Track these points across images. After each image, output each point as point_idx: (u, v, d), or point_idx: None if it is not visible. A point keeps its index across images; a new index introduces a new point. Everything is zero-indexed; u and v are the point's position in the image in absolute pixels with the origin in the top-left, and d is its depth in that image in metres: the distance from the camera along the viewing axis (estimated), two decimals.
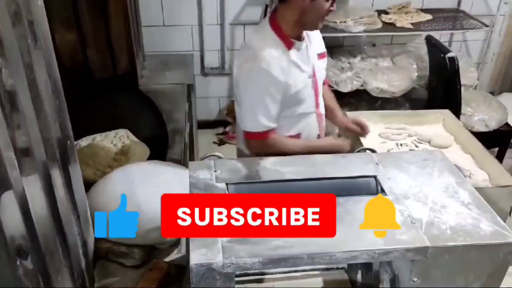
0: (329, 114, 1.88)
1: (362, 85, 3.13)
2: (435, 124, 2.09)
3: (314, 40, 1.72)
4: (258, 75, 1.56)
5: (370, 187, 1.11)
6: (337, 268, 1.32)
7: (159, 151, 1.86)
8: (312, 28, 1.64)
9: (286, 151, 1.59)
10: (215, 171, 1.11)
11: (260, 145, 1.64)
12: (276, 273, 1.30)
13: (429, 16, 3.24)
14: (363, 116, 2.04)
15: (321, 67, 1.75)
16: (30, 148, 0.86)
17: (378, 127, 2.06)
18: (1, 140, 0.74)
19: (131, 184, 1.36)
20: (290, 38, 1.60)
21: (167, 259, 1.31)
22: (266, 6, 3.26)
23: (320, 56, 1.74)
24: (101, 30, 2.19)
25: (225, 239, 0.90)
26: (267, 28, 1.62)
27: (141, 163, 1.51)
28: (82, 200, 1.15)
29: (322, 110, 1.81)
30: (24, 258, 0.83)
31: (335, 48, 3.36)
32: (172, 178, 1.42)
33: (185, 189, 1.06)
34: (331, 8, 1.57)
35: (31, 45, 0.90)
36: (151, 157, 1.71)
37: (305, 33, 1.66)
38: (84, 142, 1.73)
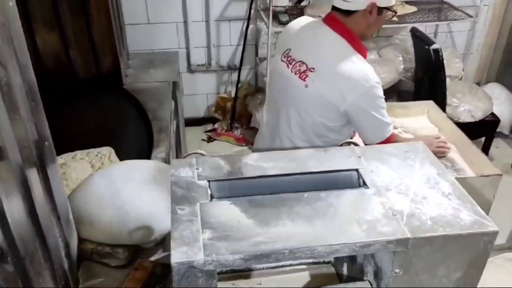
0: None
1: None
2: (420, 116, 2.10)
3: None
4: (375, 90, 1.69)
5: (352, 180, 1.11)
6: (324, 262, 1.32)
7: (144, 150, 1.85)
8: (369, 39, 1.73)
9: None
10: (197, 168, 1.11)
11: None
12: (262, 268, 1.30)
13: (414, 8, 3.26)
14: None
15: None
16: (4, 151, 0.85)
17: None
18: None
19: (114, 184, 1.35)
20: (363, 49, 1.68)
21: (152, 258, 1.31)
22: (251, 2, 3.25)
23: None
24: (83, 30, 2.16)
25: (206, 236, 0.89)
26: (346, 46, 1.65)
27: (122, 163, 1.50)
28: (63, 201, 1.14)
29: None
30: (3, 261, 0.82)
31: None
32: (155, 176, 1.41)
33: (168, 187, 1.05)
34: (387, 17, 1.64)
35: (3, 47, 0.88)
36: (136, 157, 1.69)
37: None
38: (62, 159, 1.63)
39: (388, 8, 1.62)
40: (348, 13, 1.61)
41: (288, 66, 1.72)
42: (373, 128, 1.69)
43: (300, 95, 1.69)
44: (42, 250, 0.97)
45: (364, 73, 1.62)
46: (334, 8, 1.68)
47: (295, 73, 1.69)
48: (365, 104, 1.64)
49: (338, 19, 1.66)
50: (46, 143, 1.04)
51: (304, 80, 1.66)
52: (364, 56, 1.67)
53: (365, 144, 1.73)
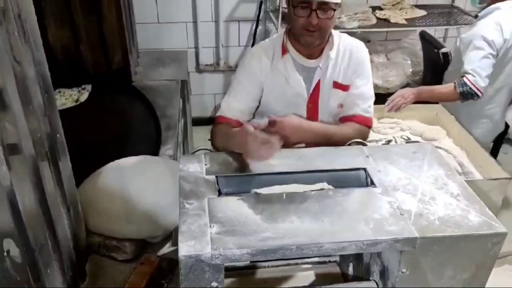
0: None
1: None
2: (428, 119, 2.10)
3: (344, 68, 1.53)
4: (240, 66, 1.56)
5: (360, 179, 1.11)
6: (329, 262, 1.33)
7: (152, 146, 1.86)
8: (298, 39, 1.48)
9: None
10: (205, 164, 1.12)
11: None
12: (268, 266, 1.31)
13: (423, 12, 3.25)
14: None
15: (334, 96, 1.55)
16: (19, 143, 0.86)
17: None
18: None
19: (123, 178, 1.36)
20: (286, 46, 1.51)
21: (159, 253, 1.31)
22: (261, 3, 3.25)
23: (337, 85, 1.54)
24: (94, 26, 2.18)
25: (213, 230, 0.90)
26: (282, 31, 1.56)
27: (133, 158, 1.51)
28: (73, 194, 1.15)
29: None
30: (12, 251, 0.83)
31: None
32: (163, 172, 1.42)
33: (176, 184, 1.06)
34: (309, 20, 1.38)
35: (19, 40, 0.90)
36: (144, 153, 1.70)
37: (330, 56, 1.50)
38: None
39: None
40: None
41: None
42: None
43: None
44: (51, 241, 0.98)
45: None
46: None
47: None
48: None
49: None
50: (58, 135, 1.05)
51: None
52: (283, 52, 1.52)
53: None
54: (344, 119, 1.56)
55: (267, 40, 1.62)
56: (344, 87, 1.54)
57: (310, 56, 1.52)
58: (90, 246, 1.28)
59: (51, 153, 1.02)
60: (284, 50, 1.51)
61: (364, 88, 1.54)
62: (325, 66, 1.51)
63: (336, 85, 1.54)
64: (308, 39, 1.44)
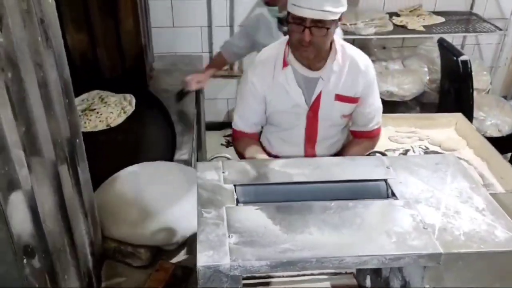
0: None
1: None
2: (447, 128, 2.06)
3: (348, 80, 1.54)
4: (243, 78, 1.62)
5: (380, 190, 1.09)
6: (346, 273, 1.30)
7: (167, 151, 1.85)
8: (294, 53, 1.49)
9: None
10: (223, 172, 1.10)
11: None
12: (283, 276, 1.29)
13: (441, 19, 3.21)
14: None
15: (336, 108, 1.57)
16: (39, 147, 0.86)
17: (388, 130, 2.03)
18: (10, 139, 0.73)
19: (139, 185, 1.35)
20: (288, 58, 1.51)
21: (174, 260, 1.30)
22: None
23: (339, 97, 1.55)
24: (111, 30, 2.20)
25: (232, 241, 0.89)
26: (285, 40, 1.56)
27: (149, 164, 1.51)
28: (90, 199, 1.15)
29: (317, 151, 1.66)
30: (31, 257, 0.83)
31: None
32: (179, 179, 1.41)
33: (192, 191, 1.05)
34: (303, 36, 1.38)
35: (41, 44, 0.90)
36: (159, 158, 1.70)
37: (334, 69, 1.50)
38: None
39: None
40: None
41: None
42: None
43: None
44: (69, 247, 0.98)
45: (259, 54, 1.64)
46: None
47: None
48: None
49: None
50: (77, 140, 1.05)
51: None
52: (284, 64, 1.54)
53: None
54: (361, 135, 1.68)
55: (269, 47, 1.62)
56: (348, 99, 1.56)
57: (312, 67, 1.52)
58: (106, 252, 1.28)
59: (71, 158, 1.02)
60: (285, 63, 1.53)
61: (376, 103, 1.64)
62: (327, 78, 1.52)
63: (339, 97, 1.55)
64: (303, 54, 1.46)
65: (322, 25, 1.37)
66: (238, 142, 1.67)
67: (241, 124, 1.64)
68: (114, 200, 1.32)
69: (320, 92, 1.53)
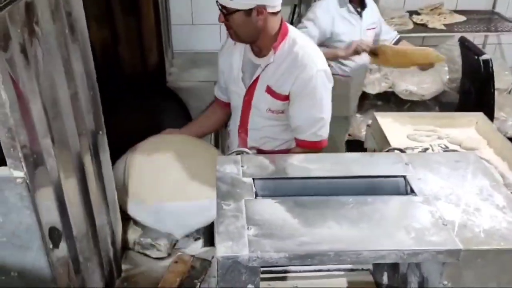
0: None
1: (390, 87, 3.08)
2: (467, 127, 2.03)
3: (281, 76, 1.55)
4: None
5: (399, 187, 1.09)
6: (362, 269, 1.30)
7: None
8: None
9: None
10: (242, 166, 1.12)
11: None
12: (299, 271, 1.30)
13: (462, 18, 3.17)
14: (391, 117, 2.01)
15: (264, 100, 1.60)
16: (66, 138, 0.88)
17: (406, 129, 2.02)
18: (40, 129, 0.76)
19: (160, 161, 1.39)
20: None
21: (192, 252, 1.32)
22: (295, 6, 3.25)
23: (269, 90, 1.57)
24: (133, 27, 2.23)
25: (251, 232, 0.90)
26: None
27: (175, 138, 1.62)
28: (112, 190, 1.18)
29: (248, 140, 1.70)
30: (56, 244, 0.86)
31: None
32: (202, 163, 1.44)
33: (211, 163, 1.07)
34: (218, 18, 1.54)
35: (68, 38, 0.92)
36: None
37: (271, 59, 1.54)
38: None
39: None
40: None
41: None
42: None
43: None
44: (92, 236, 1.01)
45: None
46: None
47: None
48: None
49: None
50: (100, 132, 1.08)
51: None
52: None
53: None
54: (295, 141, 1.64)
55: None
56: (276, 95, 1.56)
57: (258, 54, 1.60)
58: (126, 243, 1.31)
59: (94, 150, 1.05)
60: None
61: (311, 112, 1.55)
62: (264, 67, 1.57)
63: (268, 89, 1.57)
64: (229, 35, 1.59)
65: (226, 11, 1.48)
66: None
67: (216, 88, 1.81)
68: (132, 174, 1.35)
69: (256, 80, 1.59)
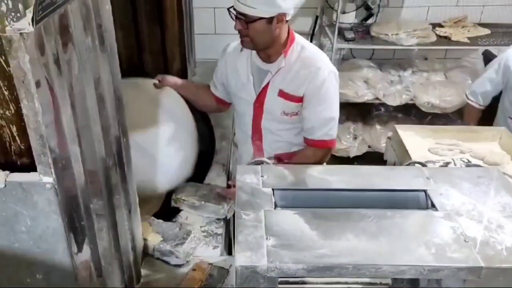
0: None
1: (411, 100, 3.05)
2: (490, 142, 1.99)
3: (293, 79, 1.61)
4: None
5: (419, 201, 1.08)
6: (381, 284, 1.29)
7: (206, 155, 1.90)
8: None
9: None
10: (262, 176, 1.13)
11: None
12: (317, 283, 1.29)
13: (487, 31, 3.12)
14: (412, 129, 1.99)
15: (278, 103, 1.64)
16: (92, 144, 0.91)
17: (427, 142, 1.99)
18: (69, 135, 0.78)
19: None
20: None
21: (210, 260, 1.34)
22: (317, 17, 3.26)
23: (282, 94, 1.63)
24: (157, 36, 2.28)
25: (270, 243, 0.90)
26: None
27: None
28: (133, 195, 1.20)
29: (264, 144, 1.75)
30: (81, 247, 0.88)
31: (384, 60, 3.30)
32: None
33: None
34: (235, 26, 1.57)
35: (98, 49, 0.96)
36: (198, 161, 1.75)
37: (282, 64, 1.60)
38: None
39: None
40: None
41: None
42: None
43: None
44: (114, 241, 1.03)
45: None
46: None
47: None
48: None
49: None
50: (124, 139, 1.10)
51: None
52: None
53: None
54: (306, 142, 1.69)
55: None
56: (291, 97, 1.62)
57: (266, 60, 1.63)
58: (145, 249, 1.33)
59: (118, 156, 1.07)
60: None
61: (324, 113, 1.62)
62: (275, 72, 1.61)
63: (282, 93, 1.62)
64: (242, 43, 1.61)
65: (246, 19, 1.51)
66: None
67: (212, 87, 1.85)
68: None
69: (267, 85, 1.62)
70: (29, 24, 0.64)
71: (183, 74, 2.38)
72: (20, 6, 0.65)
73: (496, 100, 2.55)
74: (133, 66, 2.33)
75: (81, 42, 0.85)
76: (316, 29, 3.31)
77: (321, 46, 3.43)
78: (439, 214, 1.00)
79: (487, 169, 1.17)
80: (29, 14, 0.64)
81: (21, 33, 0.64)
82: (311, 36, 3.33)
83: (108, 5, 0.99)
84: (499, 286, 0.87)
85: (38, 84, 0.68)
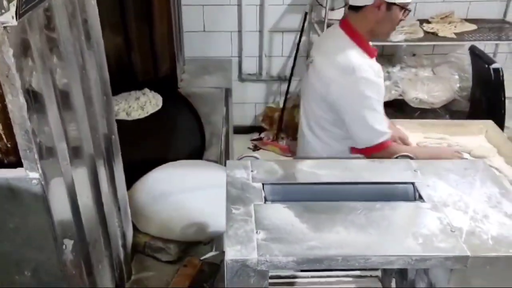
0: None
1: (400, 95, 3.08)
2: (477, 135, 2.03)
3: None
4: (360, 84, 1.57)
5: (407, 193, 1.09)
6: (371, 276, 1.30)
7: (196, 151, 1.90)
8: (383, 37, 1.68)
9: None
10: (252, 171, 1.13)
11: (382, 156, 1.58)
12: (307, 277, 1.30)
13: (473, 26, 3.16)
14: (401, 124, 2.01)
15: None
16: (80, 142, 0.91)
17: (416, 136, 2.02)
18: (56, 133, 0.78)
19: (170, 183, 1.40)
20: (371, 47, 1.61)
21: (201, 257, 1.34)
22: (306, 14, 3.28)
23: None
24: (146, 34, 2.27)
25: (260, 236, 0.91)
26: (346, 40, 1.61)
27: (179, 162, 1.55)
28: (123, 193, 1.20)
29: None
30: (69, 244, 0.87)
31: None
32: (210, 177, 1.45)
33: (221, 187, 1.08)
34: (403, 17, 1.57)
35: (84, 45, 0.95)
36: (189, 157, 1.74)
37: None
38: None
39: (397, 4, 1.58)
40: (357, 9, 1.61)
41: (307, 67, 1.81)
42: (359, 128, 1.62)
43: (305, 87, 1.81)
44: (103, 238, 1.03)
45: (353, 65, 1.54)
46: (348, 6, 1.70)
47: (307, 69, 1.78)
48: (349, 99, 1.58)
49: (346, 19, 1.67)
50: (113, 136, 1.10)
51: (307, 71, 1.75)
52: (371, 55, 1.63)
53: (354, 148, 1.66)
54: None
55: (344, 51, 1.62)
56: None
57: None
58: (136, 246, 1.32)
59: (107, 153, 1.07)
60: (372, 52, 1.64)
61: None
62: None
63: None
64: (392, 35, 1.73)
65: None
66: (394, 149, 1.62)
67: (384, 128, 1.65)
68: (147, 196, 1.37)
69: None
70: (13, 18, 0.63)
71: (172, 73, 2.38)
72: (3, 0, 0.64)
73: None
74: (121, 64, 2.33)
75: (66, 38, 0.85)
76: (306, 25, 3.32)
77: (310, 43, 3.44)
78: (426, 206, 1.01)
79: (473, 161, 1.19)
80: (13, 7, 0.64)
81: (4, 27, 0.63)
82: (300, 33, 3.35)
83: (93, 0, 0.99)
84: (486, 275, 0.88)
85: (22, 80, 0.67)
